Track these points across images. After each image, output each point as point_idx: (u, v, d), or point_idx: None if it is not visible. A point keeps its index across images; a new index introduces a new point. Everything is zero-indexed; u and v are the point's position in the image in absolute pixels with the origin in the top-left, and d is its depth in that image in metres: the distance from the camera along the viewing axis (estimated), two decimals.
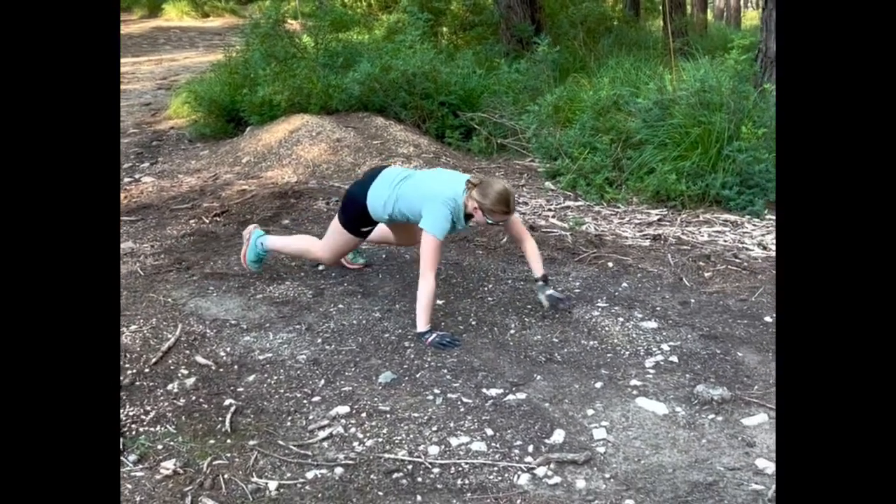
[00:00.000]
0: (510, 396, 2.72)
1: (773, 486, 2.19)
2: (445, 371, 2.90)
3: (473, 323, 3.31)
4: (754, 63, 5.80)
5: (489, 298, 3.53)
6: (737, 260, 3.92)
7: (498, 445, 2.45)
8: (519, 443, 2.46)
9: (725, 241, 4.20)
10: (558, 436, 2.49)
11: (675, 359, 2.97)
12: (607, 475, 2.29)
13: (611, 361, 2.97)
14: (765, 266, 3.84)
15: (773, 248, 4.09)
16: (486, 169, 5.81)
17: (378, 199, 3.27)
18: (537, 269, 3.28)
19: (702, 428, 2.51)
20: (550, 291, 3.26)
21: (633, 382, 2.79)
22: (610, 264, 3.88)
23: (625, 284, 3.66)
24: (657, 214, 4.67)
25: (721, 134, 4.80)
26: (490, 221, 3.13)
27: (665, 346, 3.06)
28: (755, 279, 3.67)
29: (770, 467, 2.29)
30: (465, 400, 2.70)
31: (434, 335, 3.09)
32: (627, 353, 3.03)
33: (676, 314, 3.34)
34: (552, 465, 2.34)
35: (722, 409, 2.61)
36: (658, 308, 3.39)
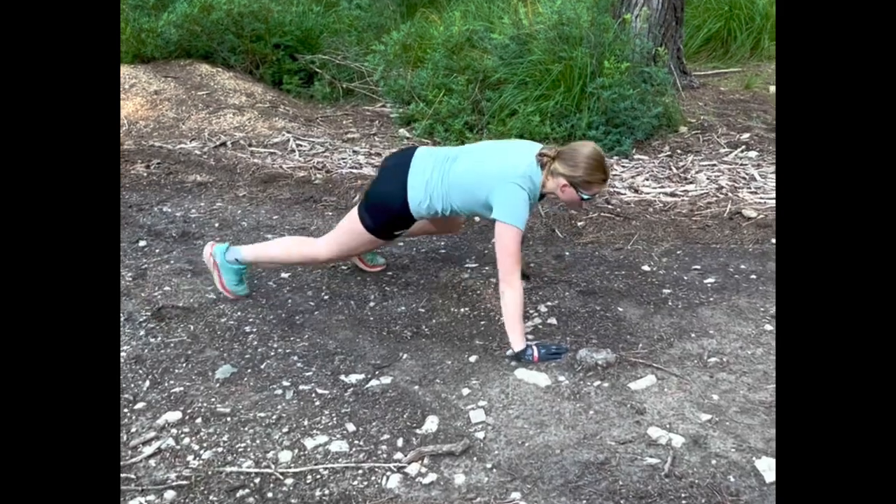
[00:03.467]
0: (373, 382, 2.48)
1: (670, 459, 2.08)
2: (296, 358, 2.61)
3: (326, 297, 3.02)
4: None
5: (343, 267, 3.25)
6: (609, 206, 3.84)
7: (362, 443, 2.20)
8: (386, 437, 2.22)
9: None
10: (431, 423, 2.27)
11: (553, 321, 2.82)
12: (489, 465, 2.10)
13: (485, 330, 2.78)
14: (638, 211, 3.79)
15: (645, 190, 4.06)
16: (332, 117, 5.46)
17: (421, 195, 2.66)
18: None
19: (588, 398, 2.38)
20: None
21: (511, 352, 2.62)
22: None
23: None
24: None
25: (583, 70, 4.70)
26: (586, 197, 2.57)
27: (542, 308, 2.91)
28: (629, 226, 3.60)
29: (664, 436, 2.18)
30: (320, 391, 2.43)
31: (537, 349, 2.55)
32: (502, 318, 2.85)
33: (551, 270, 3.20)
34: (426, 461, 2.12)
35: (607, 374, 2.49)
36: (531, 264, 3.24)
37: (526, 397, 2.38)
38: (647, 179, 4.18)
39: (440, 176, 2.66)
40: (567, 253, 3.36)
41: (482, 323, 2.83)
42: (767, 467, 2.05)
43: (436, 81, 5.22)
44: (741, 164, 4.35)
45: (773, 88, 5.98)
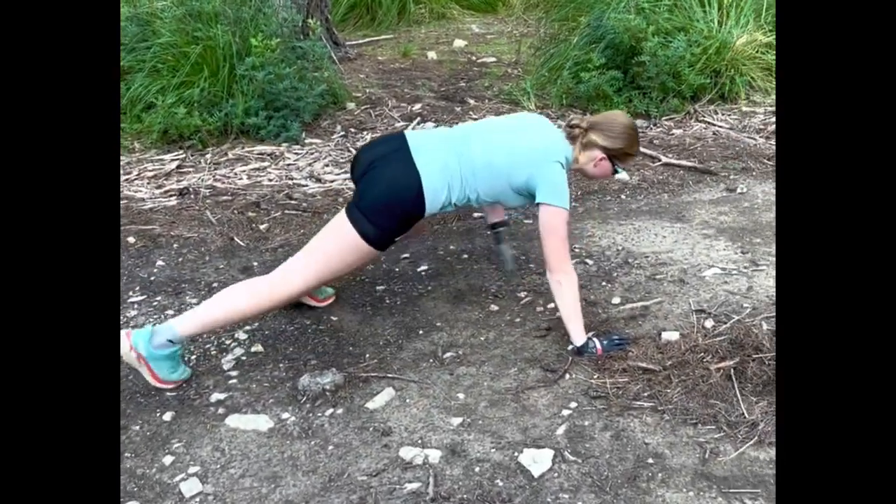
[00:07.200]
0: None
1: (431, 480, 2.00)
2: None
3: None
4: None
5: None
6: (292, 201, 3.69)
7: None
8: None
9: (271, 179, 3.95)
10: None
11: (259, 347, 2.61)
12: None
13: None
14: (326, 203, 3.69)
15: (327, 178, 3.97)
16: None
17: (439, 184, 2.43)
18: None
19: (323, 431, 2.20)
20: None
21: (216, 397, 2.36)
22: (131, 240, 3.34)
23: (160, 263, 3.17)
24: (174, 160, 4.23)
25: (227, 50, 4.51)
26: (620, 171, 2.62)
27: (240, 334, 2.67)
28: (320, 220, 3.49)
29: (419, 455, 2.09)
30: None
31: (600, 341, 2.53)
32: (193, 357, 2.56)
33: None
34: None
35: (339, 398, 2.33)
36: (215, 284, 2.98)
37: (248, 448, 2.14)
38: (328, 165, 4.10)
39: (458, 160, 2.48)
40: (255, 263, 3.15)
41: None
42: (531, 460, 2.07)
43: None
44: None
45: (431, 54, 6.24)
